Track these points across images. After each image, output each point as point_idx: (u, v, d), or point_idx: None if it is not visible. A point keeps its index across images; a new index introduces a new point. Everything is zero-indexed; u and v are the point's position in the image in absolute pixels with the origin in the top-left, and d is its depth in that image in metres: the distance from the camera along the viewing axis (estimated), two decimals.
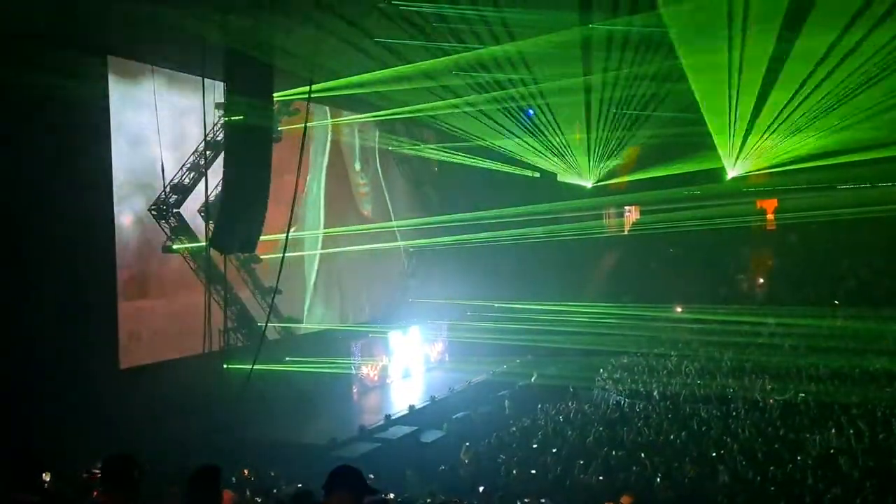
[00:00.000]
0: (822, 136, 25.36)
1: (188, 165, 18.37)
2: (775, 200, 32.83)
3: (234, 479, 11.96)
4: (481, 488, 11.87)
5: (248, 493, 10.95)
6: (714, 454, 13.79)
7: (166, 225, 17.88)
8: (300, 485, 11.95)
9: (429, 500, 11.32)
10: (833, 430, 14.54)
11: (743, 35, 20.08)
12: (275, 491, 11.37)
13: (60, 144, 14.41)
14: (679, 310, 28.79)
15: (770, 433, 14.94)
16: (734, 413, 16.72)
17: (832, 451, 13.42)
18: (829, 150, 25.40)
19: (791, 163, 26.97)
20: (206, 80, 18.05)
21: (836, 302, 27.65)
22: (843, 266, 29.74)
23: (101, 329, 15.98)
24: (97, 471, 11.83)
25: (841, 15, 18.72)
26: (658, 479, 12.40)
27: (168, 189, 17.92)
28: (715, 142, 26.64)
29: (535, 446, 15.37)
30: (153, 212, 17.74)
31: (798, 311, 26.85)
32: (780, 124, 25.43)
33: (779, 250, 32.36)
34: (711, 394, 18.18)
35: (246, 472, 12.65)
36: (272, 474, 13.33)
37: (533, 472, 13.57)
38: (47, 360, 13.90)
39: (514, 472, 13.72)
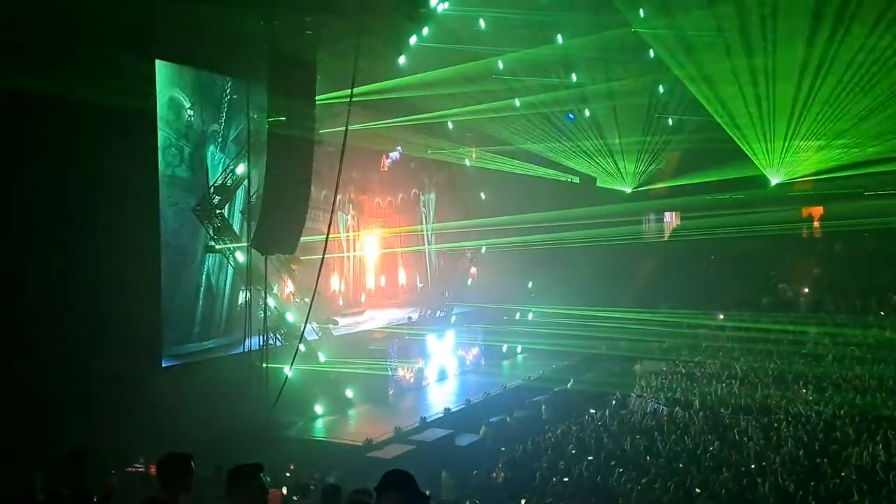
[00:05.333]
0: (870, 142, 24.82)
1: (231, 167, 18.66)
2: (821, 208, 32.16)
3: (267, 478, 12.05)
4: (523, 501, 11.78)
5: (286, 490, 11.09)
6: (754, 466, 13.53)
7: (209, 225, 18.16)
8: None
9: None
10: (880, 444, 14.14)
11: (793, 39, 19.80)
12: (312, 488, 11.44)
13: (107, 146, 14.58)
14: (721, 317, 28.31)
15: (813, 446, 14.58)
16: (776, 424, 16.36)
17: (878, 465, 13.05)
18: (876, 156, 24.85)
19: (836, 169, 26.41)
20: (249, 83, 18.38)
21: (883, 313, 26.95)
22: (891, 276, 28.96)
23: (144, 327, 16.17)
24: (139, 466, 12.07)
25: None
26: (696, 490, 12.20)
27: (212, 190, 18.22)
28: (757, 147, 26.26)
29: (572, 453, 15.24)
30: (197, 212, 18.03)
31: (843, 320, 26.25)
32: (824, 130, 24.98)
33: (824, 258, 31.66)
34: (752, 404, 17.82)
35: (291, 467, 12.79)
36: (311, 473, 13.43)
37: (567, 479, 13.46)
38: (90, 357, 14.10)
39: (550, 478, 13.62)
